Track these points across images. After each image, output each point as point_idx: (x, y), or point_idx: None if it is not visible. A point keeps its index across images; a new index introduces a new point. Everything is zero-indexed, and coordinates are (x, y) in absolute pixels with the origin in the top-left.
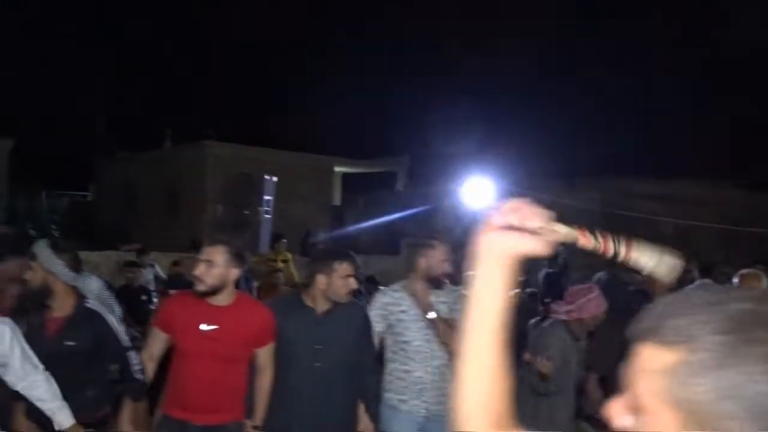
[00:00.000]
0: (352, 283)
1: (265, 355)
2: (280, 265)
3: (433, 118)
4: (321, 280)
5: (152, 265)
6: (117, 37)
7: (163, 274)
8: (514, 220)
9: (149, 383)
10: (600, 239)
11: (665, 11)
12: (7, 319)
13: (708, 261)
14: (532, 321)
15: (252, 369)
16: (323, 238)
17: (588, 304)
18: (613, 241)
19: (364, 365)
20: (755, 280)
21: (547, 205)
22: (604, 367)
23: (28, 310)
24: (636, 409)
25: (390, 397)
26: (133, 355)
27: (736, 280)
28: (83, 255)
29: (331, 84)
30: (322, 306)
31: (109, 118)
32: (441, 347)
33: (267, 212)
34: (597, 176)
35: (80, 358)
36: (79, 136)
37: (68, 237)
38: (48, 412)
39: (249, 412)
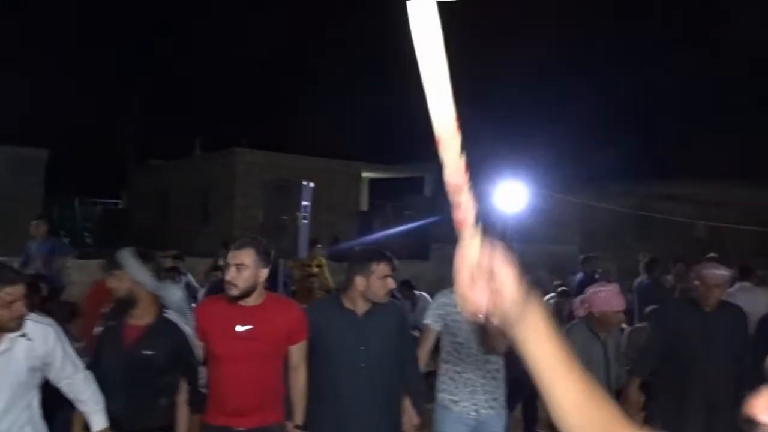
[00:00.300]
0: (391, 284)
1: (298, 352)
2: (315, 270)
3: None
4: (359, 281)
5: (184, 273)
6: (148, 49)
7: (195, 283)
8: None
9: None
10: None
11: (701, 15)
12: (51, 321)
13: (743, 263)
14: (567, 326)
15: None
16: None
17: (595, 297)
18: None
19: (407, 361)
20: None
21: (582, 209)
22: (647, 371)
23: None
24: None
25: (442, 397)
26: (202, 369)
27: None
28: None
29: (359, 90)
30: (361, 307)
31: (140, 127)
32: (491, 351)
33: (305, 218)
34: (631, 180)
35: (156, 368)
36: (111, 145)
37: (101, 244)
38: (84, 413)
39: (287, 413)
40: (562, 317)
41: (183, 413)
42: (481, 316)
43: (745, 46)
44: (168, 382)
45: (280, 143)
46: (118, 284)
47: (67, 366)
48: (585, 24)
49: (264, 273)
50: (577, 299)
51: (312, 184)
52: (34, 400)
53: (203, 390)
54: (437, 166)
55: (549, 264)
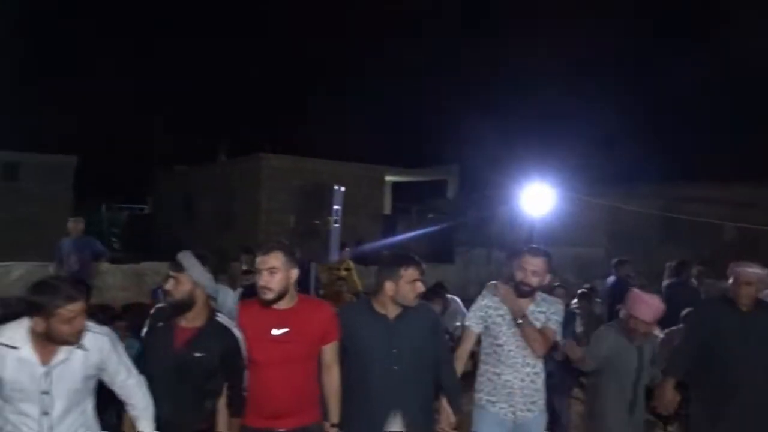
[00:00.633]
0: (420, 287)
1: (330, 352)
2: (343, 273)
3: (486, 124)
4: (389, 286)
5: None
6: (173, 56)
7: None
8: None
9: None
10: None
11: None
12: (107, 330)
13: None
14: (603, 327)
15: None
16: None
17: (636, 304)
18: None
19: (442, 361)
20: None
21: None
22: (681, 371)
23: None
24: None
25: (480, 397)
26: (246, 373)
27: None
28: (144, 266)
29: (381, 94)
30: (393, 311)
31: (165, 133)
32: (531, 354)
33: (336, 221)
34: (659, 182)
35: (206, 370)
36: (137, 151)
37: (128, 249)
38: (133, 417)
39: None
40: (591, 320)
41: (223, 416)
42: (521, 320)
43: None
44: (214, 385)
45: (303, 148)
46: (178, 286)
47: (121, 371)
48: (613, 26)
49: (294, 274)
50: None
51: (342, 189)
52: (89, 405)
53: (245, 394)
54: (460, 170)
55: (575, 267)
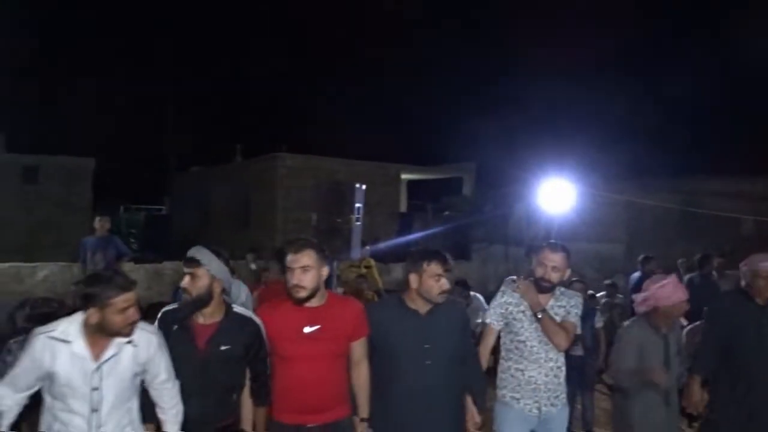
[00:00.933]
0: (444, 284)
1: (360, 348)
2: (364, 270)
3: (502, 121)
4: (413, 278)
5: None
6: (188, 58)
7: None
8: None
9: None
10: None
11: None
12: (154, 329)
13: None
14: (626, 323)
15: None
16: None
17: (662, 291)
18: None
19: (468, 358)
20: None
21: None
22: (707, 369)
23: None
24: None
25: (504, 394)
26: (269, 362)
27: None
28: (165, 265)
29: (395, 93)
30: (423, 306)
31: (182, 135)
32: (554, 349)
33: (358, 219)
34: (675, 176)
35: (233, 362)
36: (154, 153)
37: (145, 249)
38: (162, 421)
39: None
40: (614, 313)
41: (248, 406)
42: (541, 314)
43: None
44: (239, 376)
45: (318, 147)
46: (196, 282)
47: (162, 372)
48: (631, 19)
49: (326, 272)
50: (640, 296)
51: (364, 187)
52: (135, 404)
53: (270, 383)
54: (476, 167)
55: (595, 263)
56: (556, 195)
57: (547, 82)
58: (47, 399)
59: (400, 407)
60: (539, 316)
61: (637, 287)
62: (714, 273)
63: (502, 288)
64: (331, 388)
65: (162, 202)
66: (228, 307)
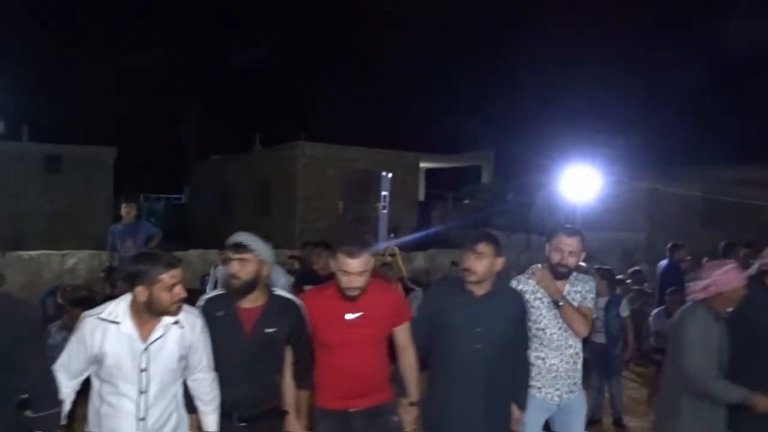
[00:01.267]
0: (478, 266)
1: (404, 333)
2: (389, 259)
3: (521, 109)
4: (464, 257)
5: None
6: (207, 47)
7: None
8: None
9: None
10: None
11: None
12: (198, 312)
13: None
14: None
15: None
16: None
17: (725, 276)
18: None
19: (518, 352)
20: None
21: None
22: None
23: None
24: None
25: None
26: (311, 345)
27: None
28: (191, 253)
29: (415, 81)
30: (480, 289)
31: (201, 124)
32: (574, 336)
33: (384, 207)
34: (699, 164)
35: (278, 345)
36: (173, 142)
37: (166, 238)
38: (201, 412)
39: (400, 390)
40: (642, 305)
41: (291, 389)
42: (562, 301)
43: None
44: (282, 358)
45: (337, 136)
46: (246, 267)
47: (203, 360)
48: (651, 6)
49: (373, 263)
50: (700, 282)
51: (390, 175)
52: (180, 390)
53: (312, 366)
54: (494, 155)
55: (618, 252)
56: (580, 182)
57: (565, 69)
58: (95, 383)
59: (446, 389)
60: (560, 304)
61: (666, 275)
62: (739, 262)
63: (518, 277)
64: (373, 373)
65: (181, 191)
66: (270, 291)
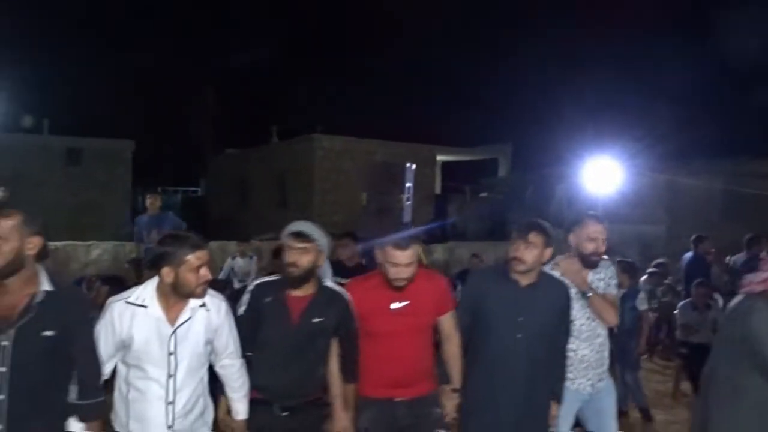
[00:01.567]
0: (528, 255)
1: (448, 322)
2: None
3: (539, 102)
4: (511, 246)
5: (251, 257)
6: (223, 40)
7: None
8: None
9: None
10: None
11: None
12: (223, 296)
13: None
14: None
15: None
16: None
17: None
18: None
19: (558, 345)
20: None
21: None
22: None
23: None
24: None
25: None
26: (358, 339)
27: None
28: (212, 245)
29: (431, 74)
30: (525, 279)
31: (218, 117)
32: (600, 324)
33: (408, 199)
34: (719, 156)
35: (324, 335)
36: (190, 135)
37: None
38: (231, 399)
39: (443, 377)
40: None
41: (337, 381)
42: (590, 293)
43: None
44: (327, 349)
45: (354, 129)
46: (306, 257)
47: (230, 344)
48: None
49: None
50: (759, 275)
51: (414, 166)
52: (205, 376)
53: (358, 359)
54: (512, 149)
55: (636, 246)
56: (601, 175)
57: (584, 61)
58: (121, 369)
59: (486, 378)
60: (589, 295)
61: (692, 268)
62: (764, 253)
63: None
64: (418, 363)
65: (198, 184)
66: (319, 281)
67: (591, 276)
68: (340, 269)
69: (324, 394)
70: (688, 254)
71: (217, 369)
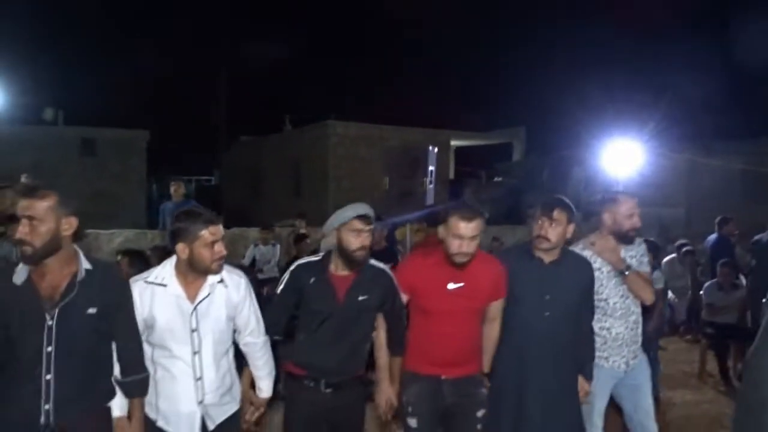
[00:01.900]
0: (552, 232)
1: (496, 307)
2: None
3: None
4: (536, 226)
5: (274, 244)
6: (236, 29)
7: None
8: None
9: None
10: None
11: None
12: (240, 272)
13: None
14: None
15: None
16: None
17: None
18: None
19: (584, 320)
20: None
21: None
22: None
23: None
24: None
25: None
26: (404, 313)
27: None
28: (233, 231)
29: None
30: (549, 256)
31: (231, 106)
32: (634, 301)
33: (431, 182)
34: (738, 137)
35: (369, 313)
36: (203, 123)
37: None
38: (256, 377)
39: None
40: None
41: (384, 355)
42: (628, 271)
43: None
44: (372, 327)
45: (367, 115)
46: (369, 238)
47: (252, 322)
48: None
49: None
50: None
51: (436, 149)
52: (231, 352)
53: (405, 333)
54: (526, 132)
55: (656, 228)
56: (620, 157)
57: (599, 43)
58: (146, 349)
59: (514, 356)
60: (627, 273)
61: (716, 249)
62: None
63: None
64: (468, 343)
65: (211, 173)
66: None
67: (623, 253)
68: None
69: (366, 371)
70: (713, 236)
71: (241, 346)
